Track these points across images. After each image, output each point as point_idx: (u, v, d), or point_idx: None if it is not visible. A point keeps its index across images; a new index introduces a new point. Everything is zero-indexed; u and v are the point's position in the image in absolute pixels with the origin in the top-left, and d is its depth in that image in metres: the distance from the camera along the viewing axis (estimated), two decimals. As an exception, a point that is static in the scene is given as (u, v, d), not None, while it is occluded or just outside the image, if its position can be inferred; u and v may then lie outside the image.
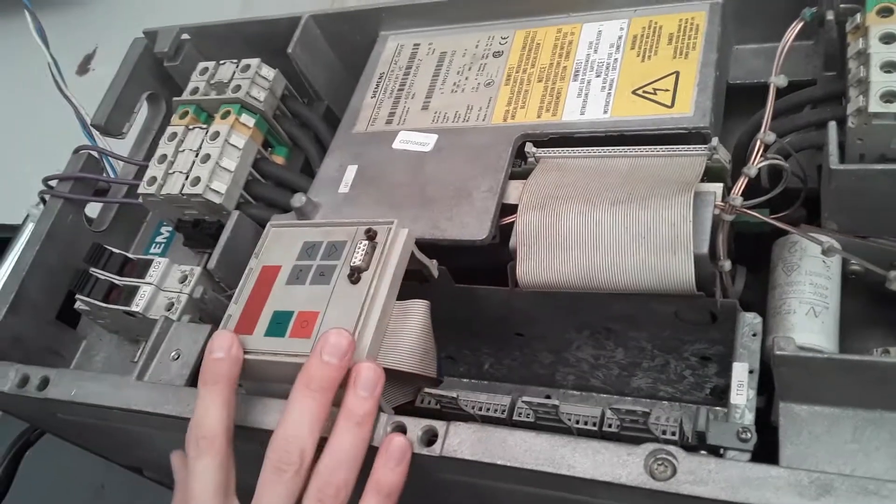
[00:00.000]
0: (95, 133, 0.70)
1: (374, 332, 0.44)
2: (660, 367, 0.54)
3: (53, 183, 0.66)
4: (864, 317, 0.47)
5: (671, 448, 0.37)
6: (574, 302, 0.49)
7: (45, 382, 0.52)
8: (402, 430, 0.42)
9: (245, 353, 0.46)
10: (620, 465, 0.37)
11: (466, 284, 0.52)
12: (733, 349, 0.43)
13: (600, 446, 0.38)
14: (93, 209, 0.69)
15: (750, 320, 0.44)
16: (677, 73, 0.50)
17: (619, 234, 0.44)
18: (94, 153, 0.67)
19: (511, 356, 0.58)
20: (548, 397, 0.59)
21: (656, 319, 0.49)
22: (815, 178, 0.48)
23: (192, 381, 0.51)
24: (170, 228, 0.69)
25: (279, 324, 0.46)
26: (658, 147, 0.47)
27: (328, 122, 0.64)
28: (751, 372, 0.42)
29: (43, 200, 0.66)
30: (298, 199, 0.54)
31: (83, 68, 1.53)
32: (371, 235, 0.47)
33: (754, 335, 0.43)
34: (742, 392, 0.42)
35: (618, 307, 0.49)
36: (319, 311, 0.46)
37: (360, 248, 0.46)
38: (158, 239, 0.69)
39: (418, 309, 0.46)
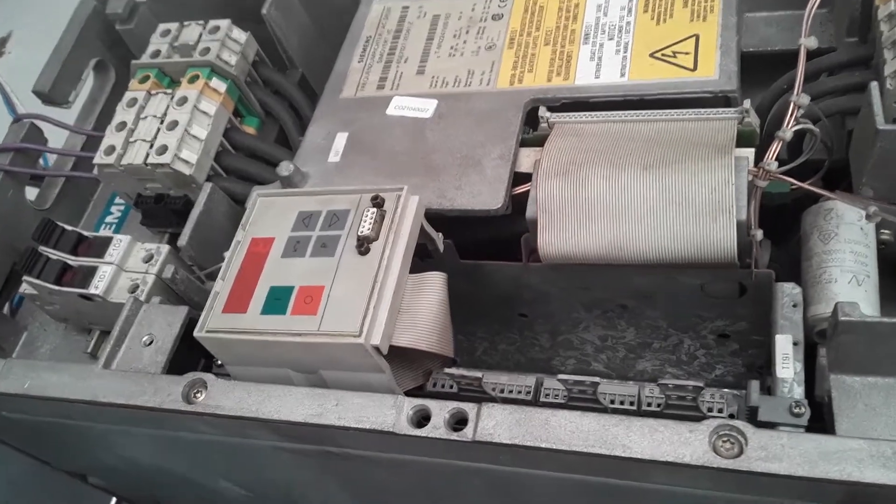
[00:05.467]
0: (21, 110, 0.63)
1: (389, 307, 0.40)
2: (671, 348, 0.51)
3: (-11, 155, 0.59)
4: (883, 293, 0.46)
5: (737, 423, 0.34)
6: (591, 276, 0.46)
7: (-9, 375, 0.46)
8: (425, 414, 0.38)
9: (238, 332, 0.41)
10: (682, 443, 0.34)
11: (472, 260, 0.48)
12: (772, 321, 0.41)
13: (658, 424, 0.34)
14: (29, 191, 0.62)
15: (789, 290, 0.41)
16: (697, 35, 0.48)
17: (651, 199, 0.41)
18: (37, 122, 0.60)
19: (508, 339, 0.55)
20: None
21: (679, 294, 0.46)
22: (842, 147, 0.46)
23: (170, 368, 0.45)
24: (122, 207, 0.62)
25: (278, 300, 0.41)
26: (685, 110, 0.44)
27: (303, 90, 0.59)
28: (795, 344, 0.40)
29: (-24, 175, 0.59)
30: (286, 168, 0.49)
31: (-5, 51, 1.42)
32: (379, 203, 0.43)
33: (794, 306, 0.41)
34: (788, 365, 0.39)
35: (640, 281, 0.46)
36: (325, 285, 0.41)
37: (367, 216, 0.42)
38: (108, 219, 0.62)
39: (435, 281, 0.42)
